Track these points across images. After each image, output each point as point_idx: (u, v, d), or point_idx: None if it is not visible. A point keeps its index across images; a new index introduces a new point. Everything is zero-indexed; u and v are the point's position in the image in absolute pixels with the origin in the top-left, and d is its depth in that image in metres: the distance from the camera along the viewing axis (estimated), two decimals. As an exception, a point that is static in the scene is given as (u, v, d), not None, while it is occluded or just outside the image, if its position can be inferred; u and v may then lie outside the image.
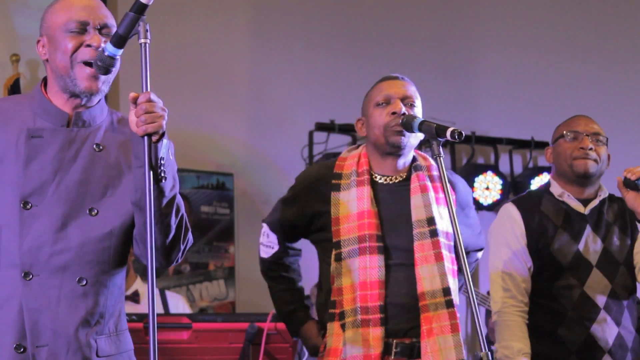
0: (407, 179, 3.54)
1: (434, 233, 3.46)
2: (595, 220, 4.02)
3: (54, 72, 2.78)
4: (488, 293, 5.05)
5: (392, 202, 3.53)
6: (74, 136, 2.76)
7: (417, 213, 3.48)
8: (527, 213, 3.98)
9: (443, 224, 3.49)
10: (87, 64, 2.72)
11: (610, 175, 4.05)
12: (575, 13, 7.26)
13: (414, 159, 3.58)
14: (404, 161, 3.57)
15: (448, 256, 3.48)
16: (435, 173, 3.55)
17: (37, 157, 2.72)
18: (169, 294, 5.64)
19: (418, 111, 3.52)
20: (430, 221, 3.47)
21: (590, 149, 3.99)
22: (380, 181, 3.55)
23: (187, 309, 5.62)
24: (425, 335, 3.40)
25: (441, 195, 3.51)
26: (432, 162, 3.57)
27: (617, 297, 4.01)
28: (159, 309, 5.43)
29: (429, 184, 3.52)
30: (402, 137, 3.48)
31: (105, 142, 2.78)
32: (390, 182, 3.55)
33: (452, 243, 3.49)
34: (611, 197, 4.10)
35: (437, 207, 3.50)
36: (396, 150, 3.52)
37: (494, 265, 3.97)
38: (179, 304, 5.59)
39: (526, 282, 3.94)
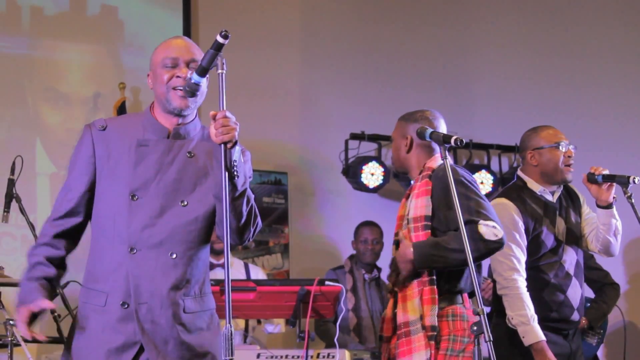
0: None
1: (407, 223, 3.36)
2: (560, 206, 3.95)
3: (157, 97, 2.80)
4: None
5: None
6: (172, 146, 2.77)
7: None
8: (520, 205, 3.86)
9: (417, 211, 3.33)
10: (177, 89, 2.73)
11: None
12: (557, 43, 7.18)
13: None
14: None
15: (418, 235, 3.30)
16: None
17: (144, 161, 2.74)
18: (251, 266, 5.67)
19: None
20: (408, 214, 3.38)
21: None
22: None
23: (263, 275, 5.64)
24: None
25: (417, 188, 3.36)
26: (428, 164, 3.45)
27: (580, 265, 3.97)
28: (242, 275, 5.45)
29: (417, 184, 3.39)
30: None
31: (196, 151, 2.78)
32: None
33: (426, 222, 3.29)
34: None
35: (414, 200, 3.35)
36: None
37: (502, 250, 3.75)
38: (258, 273, 5.61)
39: (524, 258, 3.81)
